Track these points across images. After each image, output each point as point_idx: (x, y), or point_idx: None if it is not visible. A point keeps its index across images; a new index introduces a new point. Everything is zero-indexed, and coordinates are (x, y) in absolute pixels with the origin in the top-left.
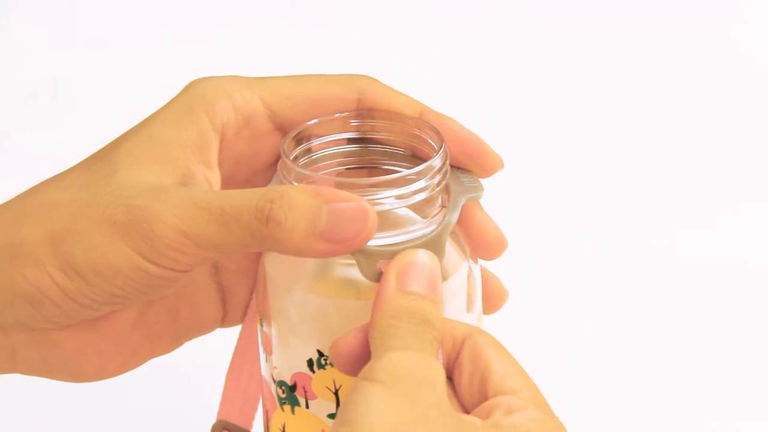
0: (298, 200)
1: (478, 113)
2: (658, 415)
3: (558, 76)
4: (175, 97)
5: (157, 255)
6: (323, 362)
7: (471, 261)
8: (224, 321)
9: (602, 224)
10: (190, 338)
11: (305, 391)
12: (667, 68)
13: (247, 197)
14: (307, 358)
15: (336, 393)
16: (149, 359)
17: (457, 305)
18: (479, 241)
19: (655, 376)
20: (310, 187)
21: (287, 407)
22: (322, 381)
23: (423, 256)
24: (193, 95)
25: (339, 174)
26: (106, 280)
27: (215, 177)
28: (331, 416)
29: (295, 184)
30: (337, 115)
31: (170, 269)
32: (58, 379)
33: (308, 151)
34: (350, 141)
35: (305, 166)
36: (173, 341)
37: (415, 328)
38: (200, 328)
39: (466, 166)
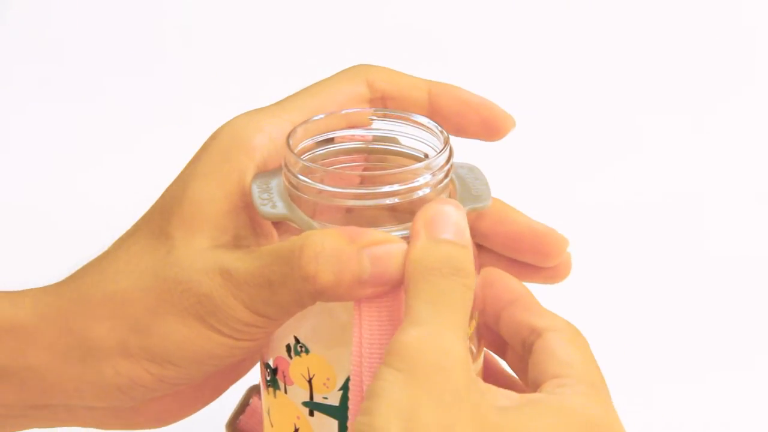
0: (337, 249)
1: None
2: (657, 415)
3: (558, 76)
4: (206, 144)
5: (235, 332)
6: (299, 349)
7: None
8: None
9: (601, 225)
10: (251, 367)
11: (284, 376)
12: (666, 69)
13: (288, 260)
14: (286, 343)
15: (309, 381)
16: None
17: None
18: (530, 245)
19: (654, 376)
20: (343, 232)
21: (271, 390)
22: (297, 368)
23: (448, 205)
24: (226, 139)
25: (343, 169)
26: (202, 363)
27: (260, 219)
28: (306, 404)
29: (300, 177)
30: (344, 112)
31: (248, 341)
32: (133, 430)
33: (315, 145)
34: (326, 142)
35: (310, 160)
36: (240, 375)
37: (445, 281)
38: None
39: (481, 130)
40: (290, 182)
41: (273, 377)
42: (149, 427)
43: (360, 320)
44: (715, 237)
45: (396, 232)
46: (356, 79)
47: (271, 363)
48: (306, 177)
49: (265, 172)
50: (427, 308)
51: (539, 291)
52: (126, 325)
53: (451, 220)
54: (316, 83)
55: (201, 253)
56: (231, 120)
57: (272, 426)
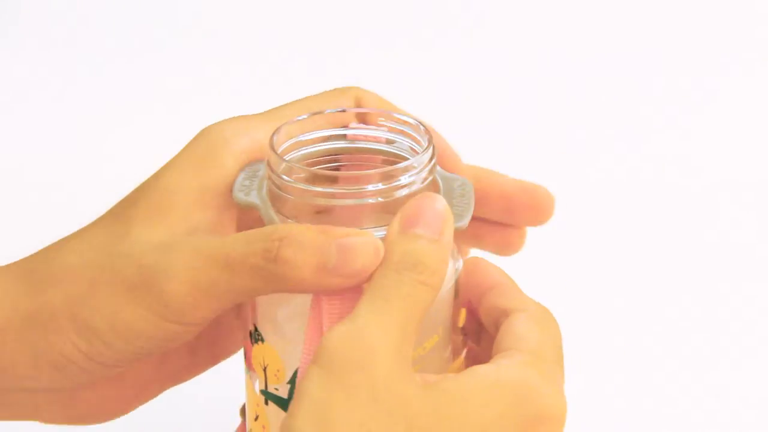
0: (305, 238)
1: (477, 113)
2: (656, 415)
3: (557, 77)
4: (188, 143)
5: (172, 313)
6: (257, 337)
7: (456, 260)
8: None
9: (600, 226)
10: (210, 367)
11: (249, 362)
12: (665, 70)
13: (251, 240)
14: (249, 329)
15: (264, 370)
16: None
17: (443, 305)
18: (524, 202)
19: (653, 376)
20: (316, 225)
21: (245, 374)
22: (256, 355)
23: (428, 199)
24: (211, 137)
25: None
26: (127, 342)
27: (229, 218)
28: (262, 392)
29: (284, 178)
30: (328, 111)
31: (188, 324)
32: (79, 425)
33: (297, 146)
34: (339, 137)
35: (293, 160)
36: (192, 373)
37: (395, 277)
38: (222, 356)
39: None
40: (273, 182)
41: (244, 362)
42: (92, 421)
43: (319, 316)
44: (713, 238)
45: (379, 233)
46: (344, 97)
47: (243, 347)
48: (288, 177)
49: (259, 162)
50: (366, 304)
51: (539, 293)
52: (62, 297)
53: (427, 215)
54: (306, 97)
55: (156, 232)
56: (217, 123)
57: (249, 410)
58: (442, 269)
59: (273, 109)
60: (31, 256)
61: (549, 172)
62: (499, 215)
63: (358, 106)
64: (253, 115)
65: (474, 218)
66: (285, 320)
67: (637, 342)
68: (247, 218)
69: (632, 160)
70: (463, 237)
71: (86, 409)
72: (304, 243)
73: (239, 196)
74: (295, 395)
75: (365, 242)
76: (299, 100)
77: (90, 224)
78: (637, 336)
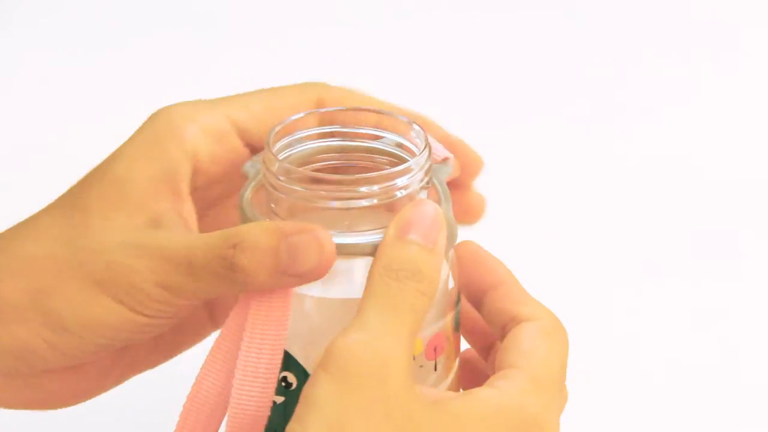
0: (258, 241)
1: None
2: (655, 416)
3: (556, 79)
4: (139, 129)
5: (143, 307)
6: None
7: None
8: (213, 328)
9: (599, 227)
10: (172, 356)
11: None
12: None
13: (210, 245)
14: None
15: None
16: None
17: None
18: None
19: (652, 377)
20: (271, 224)
21: None
22: None
23: (426, 206)
24: (159, 125)
25: (322, 171)
26: (96, 333)
27: (187, 208)
28: None
29: (281, 179)
30: (322, 110)
31: (158, 318)
32: (37, 409)
33: (291, 145)
34: (334, 136)
35: (288, 160)
36: (154, 362)
37: (398, 285)
38: (184, 344)
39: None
40: (269, 181)
41: None
42: (51, 407)
43: (243, 315)
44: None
45: (374, 235)
46: (307, 92)
47: None
48: (283, 176)
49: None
50: (374, 312)
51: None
52: (26, 288)
53: (424, 222)
54: (266, 88)
55: (117, 227)
56: (167, 107)
57: None
58: (436, 279)
59: (228, 96)
60: None
61: (549, 172)
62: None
63: (320, 103)
64: (205, 100)
65: None
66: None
67: (635, 342)
68: (206, 206)
69: (630, 159)
70: None
71: (44, 395)
72: (258, 247)
73: (247, 168)
74: (302, 400)
75: (311, 238)
76: (256, 90)
77: (41, 212)
78: (635, 336)
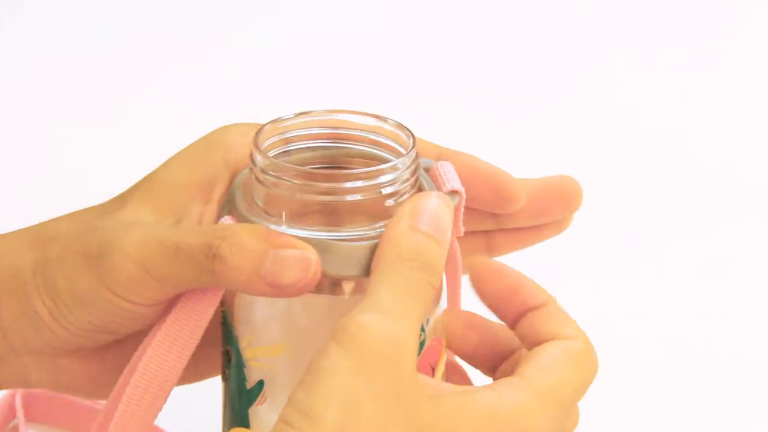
0: (245, 241)
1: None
2: (654, 416)
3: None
4: (193, 142)
5: (120, 289)
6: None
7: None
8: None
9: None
10: (192, 382)
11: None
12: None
13: (200, 234)
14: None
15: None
16: None
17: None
18: (492, 192)
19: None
20: (262, 228)
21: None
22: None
23: (438, 199)
24: (211, 137)
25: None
26: (84, 309)
27: (210, 212)
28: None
29: (270, 176)
30: (315, 110)
31: (136, 303)
32: (67, 393)
33: (281, 143)
34: (325, 137)
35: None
36: (191, 373)
37: (413, 274)
38: (204, 374)
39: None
40: (256, 177)
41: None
42: (79, 394)
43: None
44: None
45: (357, 232)
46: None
47: None
48: (273, 173)
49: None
50: (391, 296)
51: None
52: (42, 258)
53: (436, 215)
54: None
55: (140, 215)
56: (225, 126)
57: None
58: (441, 274)
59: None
60: (44, 222)
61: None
62: (532, 219)
63: (229, 159)
64: (258, 123)
65: (513, 230)
66: (277, 324)
67: (633, 343)
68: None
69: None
70: (508, 244)
71: (70, 380)
72: (244, 246)
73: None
74: (312, 371)
75: (299, 258)
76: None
77: (97, 204)
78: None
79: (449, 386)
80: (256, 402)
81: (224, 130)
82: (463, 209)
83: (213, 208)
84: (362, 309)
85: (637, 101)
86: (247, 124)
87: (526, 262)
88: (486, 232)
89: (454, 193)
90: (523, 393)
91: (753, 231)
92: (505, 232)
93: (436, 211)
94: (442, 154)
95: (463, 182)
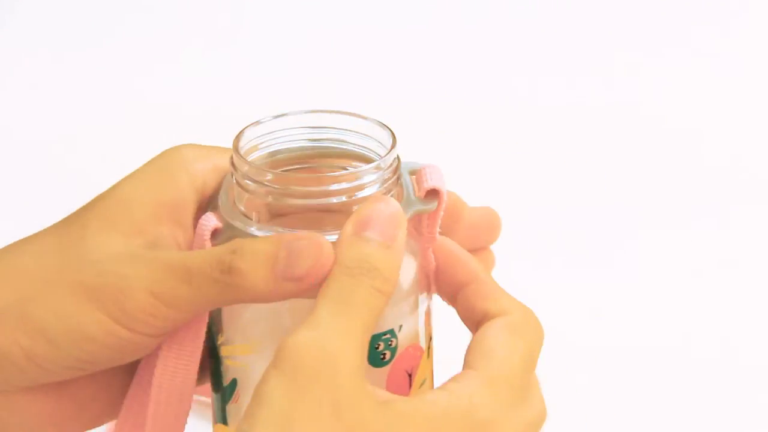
0: (257, 247)
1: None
2: (653, 417)
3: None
4: (150, 160)
5: (128, 319)
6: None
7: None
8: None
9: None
10: None
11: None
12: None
13: (209, 253)
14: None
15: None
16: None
17: (406, 303)
18: (468, 227)
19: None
20: (269, 237)
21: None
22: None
23: (383, 202)
24: (171, 158)
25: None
26: (77, 346)
27: (185, 237)
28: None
29: (250, 180)
30: (292, 112)
31: (141, 334)
32: None
33: (260, 146)
34: (305, 138)
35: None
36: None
37: (352, 281)
38: None
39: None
40: (238, 183)
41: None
42: None
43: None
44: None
45: (335, 235)
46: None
47: None
48: (252, 177)
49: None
50: (326, 309)
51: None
52: (13, 296)
53: (381, 219)
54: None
55: (113, 242)
56: (180, 145)
57: None
58: (394, 277)
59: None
60: None
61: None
62: (467, 244)
63: (196, 185)
64: (213, 146)
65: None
66: (250, 323)
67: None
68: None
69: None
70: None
71: (21, 422)
72: (256, 253)
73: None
74: (254, 398)
75: (310, 243)
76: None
77: (43, 230)
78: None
79: (401, 396)
80: (231, 400)
81: (179, 150)
82: (441, 213)
83: (187, 233)
84: (299, 328)
85: (635, 99)
86: (200, 145)
87: (526, 263)
88: None
89: (432, 192)
90: (472, 385)
91: (751, 227)
92: None
93: (381, 214)
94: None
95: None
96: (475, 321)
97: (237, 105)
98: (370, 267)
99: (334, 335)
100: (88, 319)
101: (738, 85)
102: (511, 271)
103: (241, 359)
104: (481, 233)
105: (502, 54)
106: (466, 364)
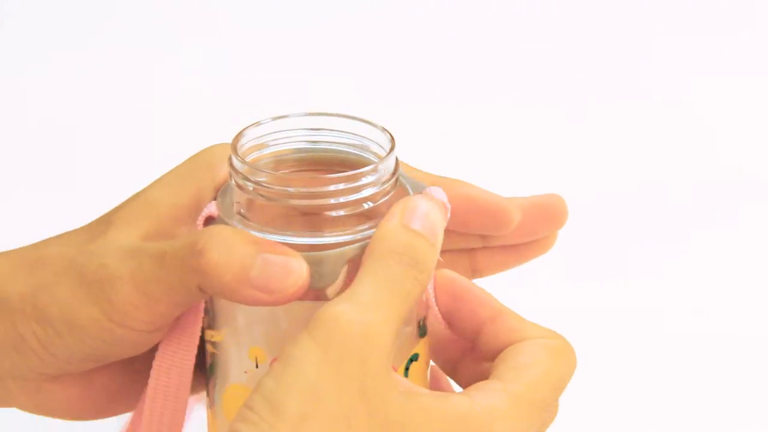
0: (233, 240)
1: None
2: (653, 417)
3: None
4: (180, 163)
5: (117, 314)
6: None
7: None
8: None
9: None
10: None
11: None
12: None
13: (185, 236)
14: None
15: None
16: None
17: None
18: (487, 217)
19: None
20: (248, 234)
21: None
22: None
23: (430, 201)
24: (198, 160)
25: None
26: (76, 338)
27: None
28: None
29: (249, 181)
30: (291, 114)
31: (132, 329)
32: (49, 416)
33: (259, 147)
34: (304, 140)
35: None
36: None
37: (399, 268)
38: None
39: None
40: (235, 182)
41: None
42: (62, 416)
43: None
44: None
45: (336, 238)
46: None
47: None
48: (252, 178)
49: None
50: (370, 289)
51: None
52: (32, 284)
53: (428, 215)
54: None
55: (129, 237)
56: (211, 146)
57: None
58: (432, 273)
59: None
60: (28, 245)
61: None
62: (519, 238)
63: (216, 179)
64: None
65: (500, 248)
66: (245, 327)
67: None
68: None
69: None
70: (492, 264)
71: (53, 403)
72: (231, 246)
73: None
74: (282, 359)
75: (290, 263)
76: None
77: (78, 227)
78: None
79: (424, 389)
80: (209, 384)
81: (210, 150)
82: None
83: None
84: (339, 300)
85: (634, 99)
86: (227, 144)
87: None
88: (469, 250)
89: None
90: (496, 396)
91: (750, 227)
92: (489, 250)
93: (428, 212)
94: (436, 183)
95: (458, 211)
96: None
97: (240, 105)
98: (417, 258)
99: (376, 315)
100: (83, 314)
101: (737, 85)
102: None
103: (214, 345)
104: (537, 224)
105: (500, 54)
106: (495, 375)
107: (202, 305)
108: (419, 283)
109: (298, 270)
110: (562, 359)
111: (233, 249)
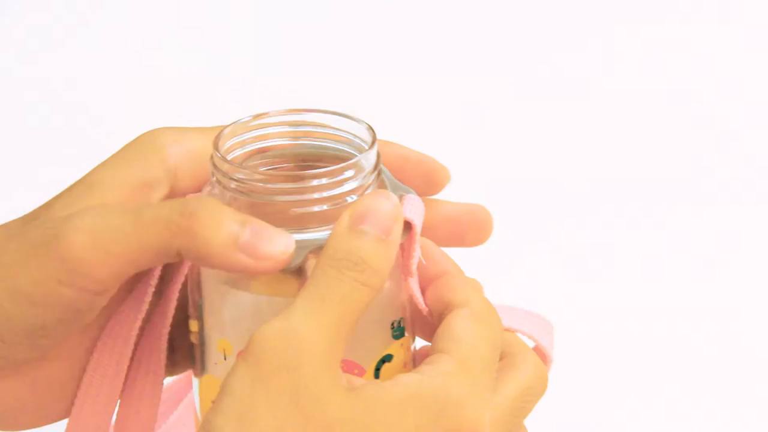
0: (222, 208)
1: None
2: (652, 417)
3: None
4: (125, 145)
5: (68, 274)
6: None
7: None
8: (175, 367)
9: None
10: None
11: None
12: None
13: (176, 200)
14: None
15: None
16: None
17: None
18: (419, 176)
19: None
20: (236, 211)
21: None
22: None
23: (382, 197)
24: (144, 142)
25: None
26: (20, 308)
27: None
28: None
29: (232, 179)
30: (272, 111)
31: (84, 290)
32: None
33: (241, 145)
34: (285, 136)
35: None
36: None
37: (333, 275)
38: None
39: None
40: (218, 180)
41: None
42: (8, 426)
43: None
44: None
45: (320, 234)
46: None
47: None
48: (234, 175)
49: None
50: (302, 301)
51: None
52: None
53: (378, 212)
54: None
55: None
56: (156, 128)
57: None
58: (385, 269)
59: (216, 126)
60: None
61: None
62: (446, 242)
63: (168, 166)
64: (192, 127)
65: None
66: (230, 322)
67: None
68: None
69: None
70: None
71: (4, 405)
72: (222, 213)
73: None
74: (221, 389)
75: (278, 232)
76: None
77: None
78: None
79: (375, 380)
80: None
81: (154, 134)
82: (416, 247)
83: None
84: (273, 320)
85: (632, 97)
86: (176, 128)
87: (527, 262)
88: None
89: (405, 224)
90: (445, 364)
91: (751, 227)
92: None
93: (377, 208)
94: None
95: (395, 171)
96: (439, 312)
97: (229, 103)
98: (357, 260)
99: (302, 326)
100: (28, 277)
101: (737, 85)
102: (512, 267)
103: (192, 334)
104: (467, 231)
105: (498, 52)
106: (436, 350)
107: (154, 281)
108: (362, 284)
109: (287, 240)
110: (487, 321)
111: (224, 215)
